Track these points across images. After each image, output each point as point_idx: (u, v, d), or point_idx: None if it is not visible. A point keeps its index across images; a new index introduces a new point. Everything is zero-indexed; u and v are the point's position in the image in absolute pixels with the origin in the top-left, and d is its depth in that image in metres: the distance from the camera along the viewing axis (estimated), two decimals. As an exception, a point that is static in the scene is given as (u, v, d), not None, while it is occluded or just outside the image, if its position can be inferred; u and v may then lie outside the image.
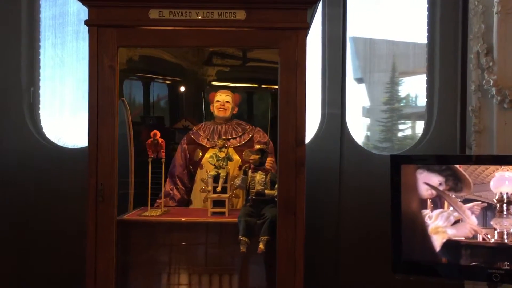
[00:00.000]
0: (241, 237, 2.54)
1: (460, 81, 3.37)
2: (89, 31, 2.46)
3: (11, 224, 3.44)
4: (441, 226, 2.57)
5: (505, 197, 2.47)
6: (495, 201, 2.48)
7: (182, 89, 3.58)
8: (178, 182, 3.17)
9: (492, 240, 2.48)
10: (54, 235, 3.40)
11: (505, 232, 2.46)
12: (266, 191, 2.69)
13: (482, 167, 2.50)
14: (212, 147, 3.08)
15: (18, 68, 3.49)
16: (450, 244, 2.56)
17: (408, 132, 4.01)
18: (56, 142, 3.55)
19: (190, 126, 3.39)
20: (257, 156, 2.72)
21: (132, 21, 2.45)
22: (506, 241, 2.46)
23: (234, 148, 3.05)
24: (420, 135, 3.65)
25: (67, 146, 3.57)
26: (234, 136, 3.12)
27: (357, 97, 3.78)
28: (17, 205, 3.44)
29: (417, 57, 3.84)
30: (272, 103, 3.38)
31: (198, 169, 3.13)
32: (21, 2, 3.49)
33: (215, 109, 3.14)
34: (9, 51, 3.48)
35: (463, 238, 2.54)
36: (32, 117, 3.55)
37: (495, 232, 2.48)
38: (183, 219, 2.78)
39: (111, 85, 2.44)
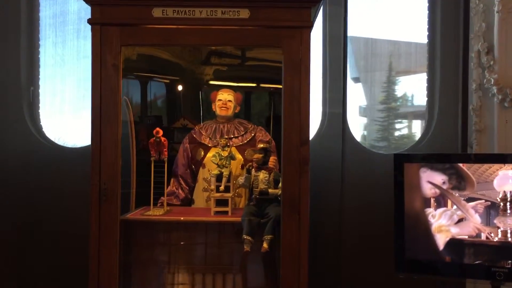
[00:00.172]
0: (245, 236, 2.54)
1: (462, 80, 3.36)
2: (92, 30, 2.44)
3: (10, 224, 3.42)
4: (444, 225, 2.57)
5: (508, 195, 2.46)
6: (499, 200, 2.48)
7: (180, 88, 3.56)
8: (182, 182, 3.15)
9: (496, 239, 2.48)
10: (54, 234, 3.39)
11: (509, 231, 2.46)
12: (270, 190, 2.68)
13: (486, 165, 2.49)
14: (215, 146, 3.07)
15: (18, 67, 3.47)
16: (453, 243, 2.55)
17: (405, 131, 4.01)
18: (56, 142, 3.54)
19: (188, 125, 3.38)
20: (261, 155, 2.72)
21: (136, 19, 2.45)
22: (509, 239, 2.46)
23: (236, 147, 3.03)
24: (416, 134, 3.65)
25: (67, 146, 3.54)
26: (236, 135, 3.11)
27: (354, 96, 3.77)
28: (16, 205, 3.42)
29: (414, 56, 3.84)
30: (272, 102, 3.37)
31: (200, 168, 3.11)
32: (21, 1, 3.48)
33: (217, 108, 3.13)
34: (8, 50, 3.46)
35: (467, 237, 2.53)
36: (32, 116, 3.54)
37: (499, 230, 2.48)
38: (186, 218, 2.77)
39: (114, 84, 2.43)
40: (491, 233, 2.49)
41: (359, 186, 3.40)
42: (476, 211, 2.51)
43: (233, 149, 2.90)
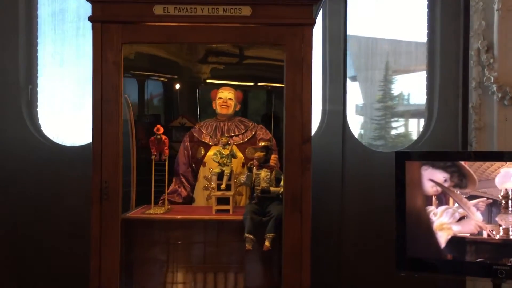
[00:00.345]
0: (246, 235, 2.53)
1: (462, 78, 3.36)
2: (92, 27, 2.43)
3: (9, 224, 3.40)
4: (446, 223, 2.57)
5: (510, 193, 2.46)
6: (500, 198, 2.48)
7: (178, 86, 3.55)
8: (184, 180, 3.14)
9: (497, 237, 2.48)
10: (54, 234, 3.37)
11: (510, 228, 2.46)
12: (271, 188, 2.68)
13: (487, 163, 2.49)
14: (215, 145, 3.06)
15: (16, 65, 3.45)
16: (455, 241, 2.55)
17: (401, 130, 4.01)
18: (54, 140, 3.52)
19: (187, 124, 3.36)
20: (262, 153, 2.71)
21: (137, 17, 2.43)
22: (511, 237, 2.46)
23: (237, 145, 3.02)
24: (413, 132, 3.65)
25: (66, 144, 3.52)
26: (236, 134, 3.10)
27: (350, 95, 3.76)
28: (15, 204, 3.40)
29: (411, 55, 3.84)
30: (272, 101, 3.36)
31: (201, 167, 3.10)
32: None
33: (218, 106, 3.11)
34: (6, 49, 3.44)
35: (468, 235, 2.53)
36: (30, 115, 3.52)
37: (500, 228, 2.48)
38: (187, 216, 2.76)
39: (115, 81, 2.42)
40: (492, 230, 2.49)
41: (359, 184, 3.40)
42: (477, 209, 2.51)
43: (234, 147, 2.88)
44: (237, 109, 3.17)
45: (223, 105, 3.10)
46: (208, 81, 3.48)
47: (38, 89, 3.57)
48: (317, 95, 3.50)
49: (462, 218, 2.55)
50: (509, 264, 2.45)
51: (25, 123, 3.46)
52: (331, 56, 3.47)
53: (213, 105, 3.15)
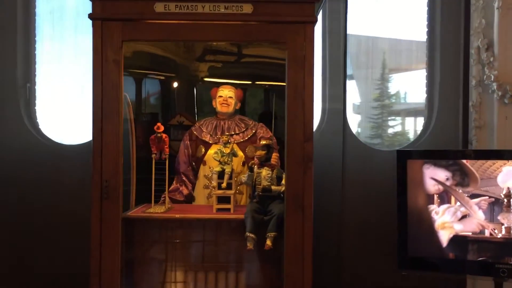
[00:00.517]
0: (248, 234, 2.51)
1: (463, 76, 3.35)
2: (93, 25, 2.41)
3: (8, 223, 3.38)
4: (448, 222, 2.57)
5: (512, 192, 2.47)
6: (503, 196, 2.48)
7: (176, 84, 3.54)
8: (185, 179, 3.12)
9: (500, 235, 2.48)
10: (53, 233, 3.35)
11: (513, 227, 2.46)
12: (273, 187, 2.66)
13: (490, 162, 2.49)
14: (215, 143, 3.05)
15: (14, 63, 3.42)
16: (457, 240, 2.55)
17: (398, 128, 4.00)
18: (53, 139, 3.48)
19: (185, 122, 3.35)
20: (263, 152, 2.69)
21: (137, 14, 2.41)
22: (513, 236, 2.46)
23: (237, 144, 3.00)
24: (409, 131, 3.66)
25: (64, 143, 3.49)
26: (237, 132, 3.08)
27: (347, 94, 3.74)
28: (14, 203, 3.38)
29: (408, 54, 3.83)
30: (273, 99, 3.33)
31: (201, 166, 3.08)
32: (17, -3, 3.42)
33: (218, 104, 3.09)
34: (4, 46, 3.41)
35: (470, 233, 2.53)
36: (28, 113, 3.49)
37: (503, 227, 2.48)
38: (188, 215, 2.75)
39: (115, 79, 2.40)
40: (494, 229, 2.49)
41: (359, 183, 3.38)
42: (479, 208, 2.51)
43: (234, 146, 2.86)
44: (237, 108, 3.15)
45: (223, 103, 3.08)
46: (206, 79, 3.46)
47: (36, 87, 3.54)
48: (317, 93, 3.48)
49: (464, 216, 2.55)
50: (511, 263, 2.45)
51: (23, 121, 3.43)
52: (331, 55, 3.45)
53: (213, 103, 3.13)
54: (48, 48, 3.57)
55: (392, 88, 3.92)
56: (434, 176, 2.58)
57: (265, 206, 2.64)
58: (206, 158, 3.06)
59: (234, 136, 3.06)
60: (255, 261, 2.68)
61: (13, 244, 3.38)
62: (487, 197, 2.50)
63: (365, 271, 3.35)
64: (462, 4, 3.37)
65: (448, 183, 2.56)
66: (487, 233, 2.50)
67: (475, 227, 2.52)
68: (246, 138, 3.09)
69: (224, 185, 2.73)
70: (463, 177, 2.54)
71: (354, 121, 3.89)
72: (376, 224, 3.31)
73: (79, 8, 3.49)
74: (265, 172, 2.68)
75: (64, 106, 3.59)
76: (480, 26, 3.25)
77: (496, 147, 3.16)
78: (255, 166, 2.71)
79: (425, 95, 3.59)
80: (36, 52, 3.53)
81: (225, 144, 2.80)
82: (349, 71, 3.79)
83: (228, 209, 2.72)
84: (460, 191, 2.54)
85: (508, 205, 2.46)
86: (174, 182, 3.12)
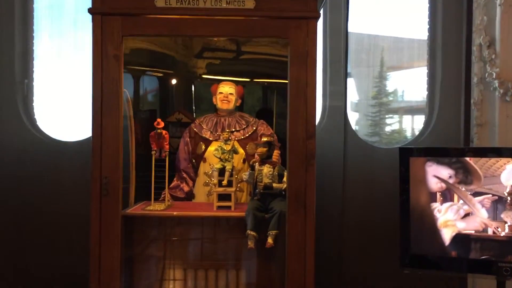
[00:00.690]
0: (249, 232, 2.49)
1: (465, 74, 3.34)
2: (92, 20, 2.37)
3: (5, 221, 3.36)
4: (450, 220, 2.54)
5: (516, 190, 2.44)
6: (506, 194, 2.46)
7: (174, 81, 3.51)
8: (185, 176, 3.10)
9: (503, 234, 2.46)
10: (52, 231, 3.33)
11: (516, 225, 2.44)
12: (274, 185, 2.63)
13: (493, 159, 2.47)
14: (216, 140, 3.02)
15: (12, 59, 3.39)
16: (459, 238, 2.53)
17: (396, 126, 3.99)
18: (51, 136, 3.46)
19: (183, 119, 3.32)
20: (265, 149, 2.67)
21: (138, 9, 2.38)
22: (516, 234, 2.44)
23: (238, 141, 2.98)
24: (407, 129, 3.70)
25: (62, 140, 3.46)
26: (237, 129, 3.05)
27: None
28: (11, 201, 3.35)
29: (407, 52, 3.82)
30: (269, 96, 3.31)
31: (201, 163, 3.05)
32: (15, -8, 3.39)
33: (218, 101, 3.06)
34: (2, 42, 3.37)
35: (473, 232, 2.51)
36: (26, 110, 3.46)
37: (506, 225, 2.45)
38: (189, 213, 2.73)
39: (115, 75, 2.37)
40: (498, 227, 2.47)
41: (360, 181, 3.37)
42: (483, 206, 2.49)
43: (235, 143, 2.84)
44: (238, 104, 3.12)
45: (224, 100, 3.05)
46: (204, 76, 3.45)
47: (34, 83, 3.51)
48: (317, 90, 3.45)
49: (467, 215, 2.52)
50: (514, 261, 2.43)
51: (21, 118, 3.40)
52: (332, 52, 3.43)
53: (214, 100, 3.10)
54: (47, 43, 3.54)
55: (390, 86, 3.91)
56: (437, 174, 2.56)
57: (266, 204, 2.62)
58: (206, 155, 3.03)
59: (235, 133, 3.03)
60: (256, 259, 2.67)
61: (11, 242, 3.35)
62: (491, 195, 2.47)
63: (366, 268, 3.33)
64: (464, 1, 3.34)
65: (451, 181, 2.53)
66: (490, 232, 2.48)
67: (478, 225, 2.49)
68: (247, 135, 3.06)
69: (224, 182, 2.71)
70: (466, 175, 2.51)
71: (352, 119, 3.87)
72: (377, 222, 3.30)
73: (78, 3, 3.46)
74: (266, 169, 2.66)
75: (63, 102, 3.57)
76: (482, 23, 3.24)
77: (497, 145, 3.15)
78: (257, 163, 2.68)
79: (423, 93, 3.59)
80: (34, 48, 3.50)
81: (226, 141, 2.77)
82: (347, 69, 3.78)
83: (229, 207, 2.69)
84: (463, 189, 2.52)
85: (512, 203, 2.44)
86: (175, 179, 3.09)
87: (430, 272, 2.61)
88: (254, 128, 3.09)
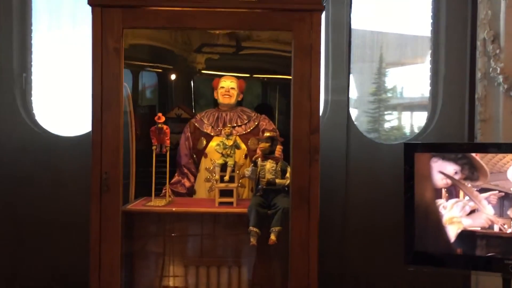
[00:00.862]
0: (251, 228, 2.45)
1: (469, 69, 3.30)
2: (92, 12, 2.33)
3: (2, 218, 3.32)
4: (456, 216, 2.52)
5: (523, 186, 2.41)
6: (513, 191, 2.43)
7: (173, 76, 3.48)
8: (187, 171, 3.06)
9: (509, 230, 2.44)
10: (51, 227, 3.29)
11: (522, 222, 2.41)
12: (277, 180, 2.60)
13: (500, 155, 2.44)
14: (217, 135, 2.98)
15: (10, 52, 3.34)
16: (465, 235, 2.51)
17: (395, 123, 3.97)
18: (50, 130, 3.42)
19: (183, 115, 3.29)
20: (267, 144, 2.63)
21: (139, 0, 2.33)
22: (523, 231, 2.41)
23: (239, 136, 2.94)
24: (405, 126, 3.70)
25: (61, 135, 3.42)
26: (239, 124, 3.02)
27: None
28: (9, 197, 3.32)
29: (406, 48, 3.79)
30: (278, 92, 3.30)
31: (202, 158, 3.02)
32: (12, -15, 3.34)
33: (220, 95, 3.03)
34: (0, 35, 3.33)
35: (479, 229, 2.49)
36: (25, 104, 3.41)
37: (512, 222, 2.43)
38: (190, 209, 2.70)
39: (115, 69, 2.33)
40: (504, 224, 2.44)
41: (363, 177, 3.33)
42: (489, 202, 2.47)
43: (237, 138, 2.80)
44: (239, 99, 3.09)
45: (225, 94, 3.01)
46: (204, 71, 3.42)
47: (33, 77, 3.46)
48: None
49: (472, 211, 2.50)
50: (520, 259, 2.40)
51: (19, 112, 3.36)
52: (334, 46, 3.39)
53: (215, 94, 3.07)
54: (45, 36, 3.50)
55: (389, 83, 3.88)
56: (442, 170, 2.53)
57: (269, 200, 2.58)
58: (207, 150, 3.00)
59: (236, 128, 3.00)
60: (259, 256, 2.63)
61: (8, 238, 3.32)
62: (497, 191, 2.45)
63: (370, 266, 3.30)
64: (469, -4, 3.31)
65: (456, 177, 2.51)
66: (496, 229, 2.45)
67: (484, 222, 2.47)
68: (249, 130, 3.03)
69: (226, 178, 2.66)
70: (472, 171, 2.48)
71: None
72: (380, 219, 3.26)
73: (77, -3, 3.42)
74: (269, 165, 2.62)
75: (62, 96, 3.53)
76: (486, 17, 3.21)
77: (501, 140, 3.12)
78: (259, 159, 2.64)
79: (423, 89, 3.60)
80: (33, 41, 3.45)
81: (228, 136, 2.73)
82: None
83: (231, 203, 2.66)
84: (469, 185, 2.49)
85: (518, 200, 2.41)
86: (176, 174, 3.06)
87: (435, 269, 2.59)
88: (256, 123, 3.05)
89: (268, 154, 2.65)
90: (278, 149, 2.71)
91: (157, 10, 2.36)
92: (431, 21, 3.52)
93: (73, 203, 3.18)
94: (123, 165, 2.42)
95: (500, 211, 2.44)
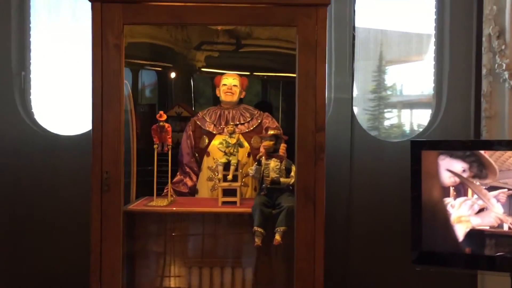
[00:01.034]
0: (256, 228, 2.40)
1: (475, 65, 3.26)
2: (92, 8, 2.29)
3: (3, 217, 3.29)
4: (464, 215, 2.48)
5: (533, 184, 2.37)
6: (522, 189, 2.39)
7: (173, 75, 3.46)
8: (189, 170, 3.02)
9: (519, 229, 2.39)
10: (51, 228, 3.26)
11: (532, 221, 2.37)
12: (281, 179, 2.55)
13: (509, 152, 2.39)
14: (219, 133, 2.94)
15: (8, 50, 3.31)
16: (474, 234, 2.47)
17: (395, 120, 3.94)
18: (49, 129, 3.38)
19: (183, 113, 3.27)
20: (271, 142, 2.58)
21: (139, -5, 2.29)
22: (533, 230, 2.37)
23: (242, 134, 2.89)
24: (405, 123, 3.68)
25: (61, 134, 3.38)
26: (242, 122, 2.98)
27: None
28: (9, 197, 3.28)
29: (404, 45, 3.75)
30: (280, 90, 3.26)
31: (205, 157, 2.98)
32: (10, -18, 3.30)
33: (222, 93, 2.98)
34: (-2, 34, 3.30)
35: (488, 228, 2.45)
36: (23, 103, 3.37)
37: (522, 221, 2.38)
38: (193, 209, 2.66)
39: (116, 66, 2.29)
40: (513, 223, 2.40)
41: (368, 175, 3.29)
42: (498, 201, 2.43)
43: (240, 136, 2.76)
44: (242, 96, 3.05)
45: (227, 92, 2.97)
46: (204, 69, 3.39)
47: (32, 75, 3.43)
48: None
49: (481, 210, 2.47)
50: (530, 258, 2.36)
51: (18, 111, 3.32)
52: (337, 43, 3.34)
53: (217, 92, 3.03)
54: (44, 34, 3.45)
55: (389, 80, 3.85)
56: (450, 168, 2.49)
57: (273, 199, 2.54)
58: (209, 149, 2.96)
59: (239, 126, 2.96)
60: (264, 256, 2.59)
61: (8, 238, 3.28)
62: (506, 189, 2.41)
63: (374, 266, 3.27)
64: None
65: (464, 175, 2.47)
66: (505, 227, 2.42)
67: (493, 221, 2.43)
68: (251, 128, 2.99)
69: (230, 177, 2.62)
70: (480, 169, 2.44)
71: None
72: (386, 218, 3.22)
73: (76, -7, 3.38)
74: (273, 163, 2.57)
75: (61, 95, 3.49)
76: (491, 13, 3.17)
77: (507, 137, 3.08)
78: (263, 158, 2.59)
79: (423, 87, 3.59)
80: (31, 39, 3.41)
81: (231, 134, 2.68)
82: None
83: (234, 202, 2.61)
84: (478, 183, 2.45)
85: (528, 198, 2.37)
86: (178, 173, 3.02)
87: (442, 269, 2.55)
88: (259, 121, 3.01)
89: (272, 153, 2.60)
90: (282, 147, 2.66)
91: (158, 5, 2.31)
92: (435, 17, 3.47)
93: (73, 203, 3.15)
94: (125, 164, 2.38)
95: (510, 210, 2.41)
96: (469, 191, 2.47)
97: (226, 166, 2.66)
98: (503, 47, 3.12)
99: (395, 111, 3.97)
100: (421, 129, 3.54)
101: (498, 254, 2.43)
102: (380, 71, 3.82)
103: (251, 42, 3.35)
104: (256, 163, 2.64)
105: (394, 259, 3.07)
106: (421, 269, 2.55)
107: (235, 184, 2.63)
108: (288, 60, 3.36)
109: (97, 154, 2.30)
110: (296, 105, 2.31)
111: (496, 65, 3.15)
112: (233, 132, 2.69)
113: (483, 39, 3.21)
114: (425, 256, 2.55)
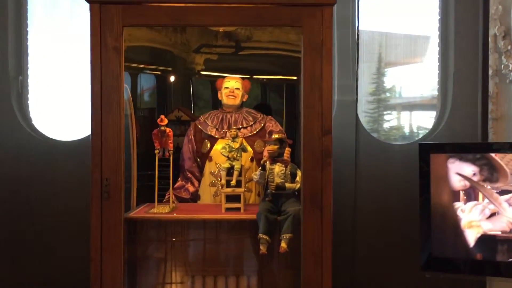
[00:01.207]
0: (261, 235, 2.34)
1: (482, 66, 3.21)
2: (90, 9, 2.23)
3: (1, 223, 3.24)
4: (475, 220, 2.43)
5: (545, 187, 2.32)
6: (535, 192, 2.33)
7: (172, 78, 3.45)
8: (191, 176, 2.98)
9: (531, 234, 2.33)
10: (50, 235, 3.22)
11: (545, 226, 2.32)
12: (287, 184, 2.48)
13: (521, 155, 2.34)
14: (222, 138, 2.90)
15: (5, 55, 3.27)
16: (485, 239, 2.43)
17: (394, 123, 3.90)
18: (47, 135, 3.33)
19: (183, 117, 3.25)
20: (276, 146, 2.51)
21: (139, -4, 2.24)
22: (546, 235, 2.32)
23: (245, 138, 2.85)
24: (405, 126, 3.63)
25: (59, 139, 3.33)
26: (245, 126, 2.92)
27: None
28: (7, 204, 3.24)
29: (403, 48, 3.71)
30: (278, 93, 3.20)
31: (207, 162, 2.93)
32: (7, -15, 3.27)
33: (224, 96, 2.93)
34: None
35: (500, 233, 2.41)
36: (21, 108, 3.34)
37: (535, 226, 2.33)
38: (196, 216, 2.58)
39: (116, 69, 2.24)
40: (526, 228, 2.34)
41: (373, 179, 3.24)
42: (510, 205, 2.39)
43: (243, 141, 2.70)
44: (244, 100, 3.00)
45: (229, 95, 2.92)
46: (203, 72, 3.39)
47: (29, 80, 3.39)
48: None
49: (492, 214, 2.44)
50: (544, 264, 2.30)
51: (15, 116, 3.28)
52: (340, 45, 3.30)
53: (219, 95, 2.99)
54: (42, 38, 3.40)
55: (388, 83, 3.81)
56: (459, 171, 2.43)
57: (279, 205, 2.48)
58: (212, 153, 2.91)
59: (242, 130, 2.91)
60: (269, 264, 2.53)
61: (6, 244, 3.24)
62: (518, 193, 2.35)
63: (380, 272, 3.22)
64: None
65: (475, 179, 2.41)
66: (517, 232, 2.36)
67: (505, 225, 2.39)
68: (254, 132, 2.94)
69: (233, 182, 2.56)
70: (491, 172, 2.40)
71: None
72: (393, 223, 3.18)
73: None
74: (278, 168, 2.50)
75: (59, 100, 3.44)
76: (497, 12, 3.13)
77: (513, 140, 3.03)
78: (267, 163, 2.53)
79: (422, 89, 3.55)
80: (29, 42, 3.38)
81: (234, 138, 2.62)
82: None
83: (238, 209, 2.56)
84: (489, 187, 2.40)
85: (541, 202, 2.31)
86: (179, 179, 2.98)
87: (453, 276, 2.49)
88: (262, 124, 2.97)
89: (276, 157, 2.53)
90: (287, 151, 2.60)
91: (158, 7, 2.26)
92: (439, 17, 3.44)
93: (72, 210, 3.11)
94: (125, 170, 2.33)
95: (522, 214, 2.35)
96: (480, 195, 2.43)
97: (229, 171, 2.60)
98: (509, 47, 3.08)
99: (394, 113, 3.94)
100: (421, 131, 3.49)
101: (511, 259, 2.36)
102: (379, 73, 3.78)
103: (251, 45, 3.32)
104: (260, 168, 2.57)
105: (402, 265, 3.02)
106: (430, 275, 2.48)
107: (239, 190, 2.57)
108: (287, 63, 3.33)
109: (96, 161, 2.24)
110: (301, 108, 2.26)
111: (502, 65, 3.10)
112: (236, 136, 2.63)
113: (489, 39, 3.16)
114: (434, 262, 2.50)
